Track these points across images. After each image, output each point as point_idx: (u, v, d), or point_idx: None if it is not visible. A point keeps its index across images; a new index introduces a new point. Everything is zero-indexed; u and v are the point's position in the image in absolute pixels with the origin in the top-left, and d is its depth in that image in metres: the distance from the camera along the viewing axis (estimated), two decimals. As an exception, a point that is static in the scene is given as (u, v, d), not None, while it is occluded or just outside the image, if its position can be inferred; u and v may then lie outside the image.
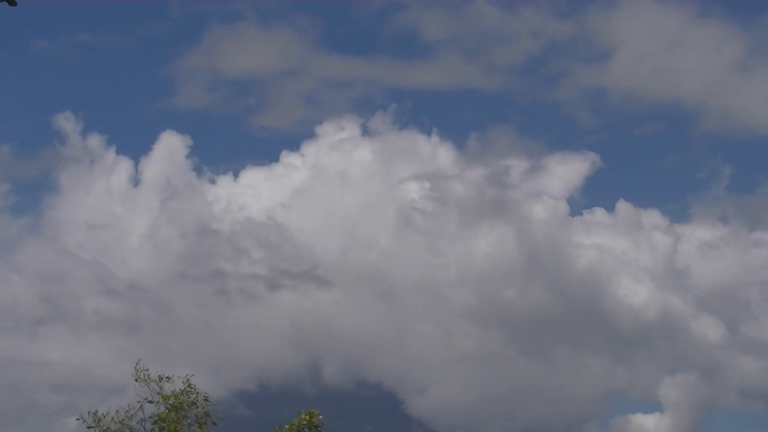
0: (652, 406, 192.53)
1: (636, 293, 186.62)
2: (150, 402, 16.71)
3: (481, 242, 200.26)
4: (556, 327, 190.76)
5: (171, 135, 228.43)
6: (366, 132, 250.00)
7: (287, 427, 17.24)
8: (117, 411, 17.19)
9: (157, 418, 16.56)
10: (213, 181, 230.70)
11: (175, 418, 16.34)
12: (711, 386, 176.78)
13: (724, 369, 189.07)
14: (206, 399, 17.54)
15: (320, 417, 17.52)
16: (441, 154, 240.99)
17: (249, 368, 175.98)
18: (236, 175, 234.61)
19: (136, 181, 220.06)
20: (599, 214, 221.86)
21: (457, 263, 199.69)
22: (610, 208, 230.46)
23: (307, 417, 17.28)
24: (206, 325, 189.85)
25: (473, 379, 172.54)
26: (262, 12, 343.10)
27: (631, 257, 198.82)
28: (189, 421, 16.58)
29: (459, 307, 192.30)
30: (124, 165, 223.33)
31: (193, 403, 17.08)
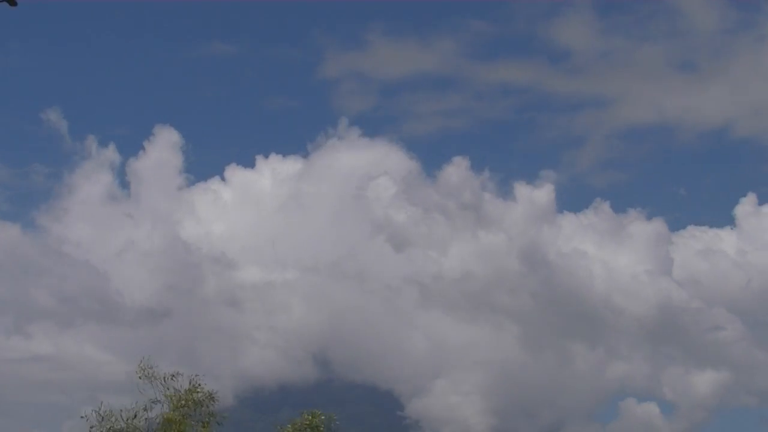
0: (662, 404, 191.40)
1: (648, 290, 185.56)
2: (155, 402, 16.61)
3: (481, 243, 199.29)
4: (558, 326, 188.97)
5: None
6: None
7: (290, 426, 17.17)
8: (122, 410, 17.08)
9: (163, 417, 16.46)
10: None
11: (181, 417, 16.25)
12: (723, 384, 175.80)
13: (736, 367, 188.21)
14: (212, 398, 17.45)
15: (322, 417, 17.47)
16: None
17: (251, 371, 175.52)
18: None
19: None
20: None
21: (461, 263, 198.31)
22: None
23: (310, 417, 17.21)
24: (214, 329, 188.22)
25: (473, 379, 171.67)
26: (422, 18, 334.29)
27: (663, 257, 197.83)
28: (194, 420, 16.48)
29: (459, 307, 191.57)
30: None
31: (199, 403, 16.99)
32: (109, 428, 16.08)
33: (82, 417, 16.35)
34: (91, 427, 16.25)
